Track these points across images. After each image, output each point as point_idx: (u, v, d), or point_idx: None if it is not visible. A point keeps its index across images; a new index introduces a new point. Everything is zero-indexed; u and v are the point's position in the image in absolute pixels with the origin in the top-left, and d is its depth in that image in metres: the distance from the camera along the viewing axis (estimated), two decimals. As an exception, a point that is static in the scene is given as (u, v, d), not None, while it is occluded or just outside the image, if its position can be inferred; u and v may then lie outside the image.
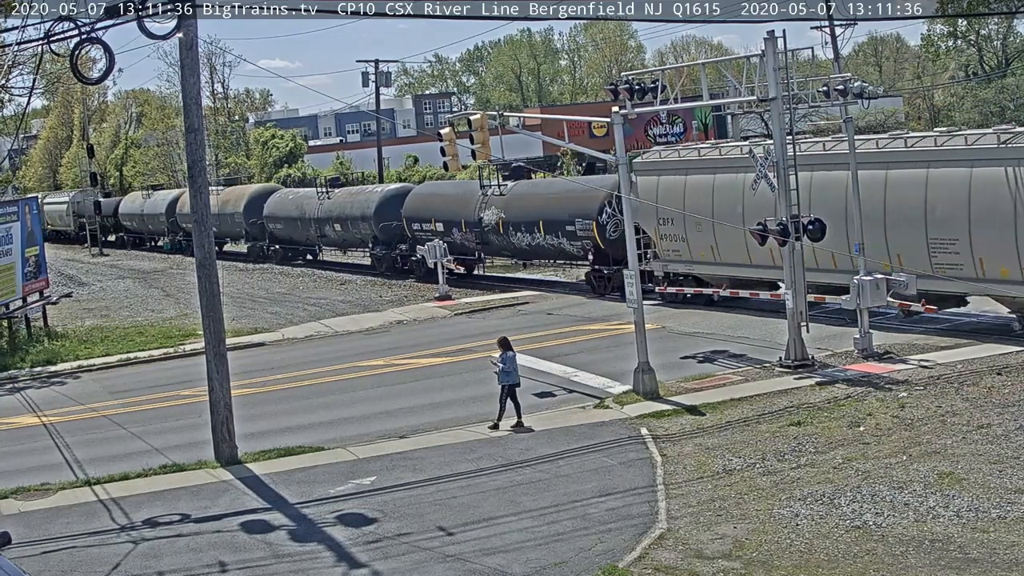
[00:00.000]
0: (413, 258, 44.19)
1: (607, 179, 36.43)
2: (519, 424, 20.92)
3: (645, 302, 25.13)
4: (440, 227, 42.35)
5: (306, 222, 51.84)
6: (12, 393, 28.47)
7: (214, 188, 61.30)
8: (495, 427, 20.89)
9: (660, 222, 32.49)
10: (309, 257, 56.98)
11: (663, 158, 33.57)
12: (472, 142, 25.62)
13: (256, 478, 19.11)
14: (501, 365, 20.88)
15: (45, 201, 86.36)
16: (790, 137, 23.80)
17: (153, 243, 74.59)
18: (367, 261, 50.14)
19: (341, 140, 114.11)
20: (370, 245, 47.84)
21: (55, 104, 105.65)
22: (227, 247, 64.40)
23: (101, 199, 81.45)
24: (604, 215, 35.06)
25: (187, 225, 62.72)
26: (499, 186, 40.57)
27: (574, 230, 36.04)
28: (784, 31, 25.07)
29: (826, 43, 60.95)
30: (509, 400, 20.97)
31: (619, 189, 25.04)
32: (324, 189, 51.40)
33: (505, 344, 21.13)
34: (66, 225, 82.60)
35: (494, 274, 44.95)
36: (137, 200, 74.64)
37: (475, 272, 44.27)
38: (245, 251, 60.97)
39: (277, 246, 56.19)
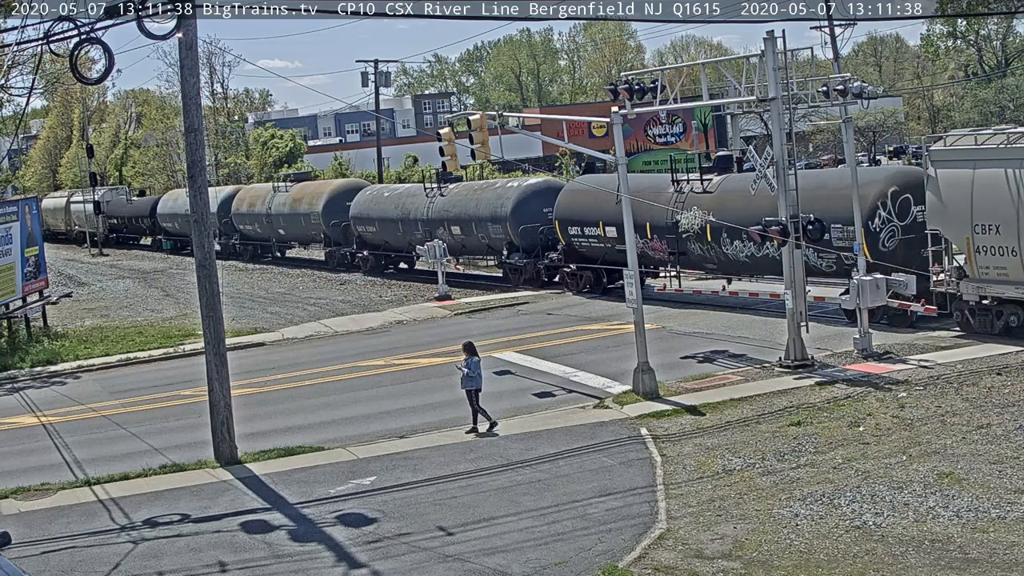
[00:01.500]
0: (566, 268, 36.98)
1: (882, 171, 29.79)
2: (474, 430, 20.80)
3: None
4: (612, 232, 33.75)
5: (410, 224, 43.60)
6: (12, 393, 28.46)
7: (281, 185, 54.94)
8: (492, 427, 20.86)
9: (978, 230, 24.50)
10: (404, 266, 48.07)
11: (981, 144, 24.98)
12: (471, 142, 25.67)
13: (256, 478, 19.12)
14: (466, 370, 20.75)
15: (72, 200, 79.53)
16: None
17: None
18: (489, 271, 42.49)
19: (340, 140, 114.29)
20: (504, 252, 39.51)
21: (54, 104, 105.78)
22: (292, 252, 58.02)
23: (134, 198, 74.37)
24: (877, 219, 26.81)
25: (244, 227, 57.80)
26: (701, 181, 32.02)
27: (829, 239, 27.00)
28: (784, 31, 25.12)
29: (826, 43, 61.09)
30: (474, 403, 20.88)
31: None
32: (434, 185, 43.29)
33: (471, 349, 21.06)
34: (92, 225, 75.05)
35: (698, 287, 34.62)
36: (180, 198, 64.09)
37: (656, 285, 35.29)
38: (323, 258, 53.03)
39: (365, 252, 47.63)
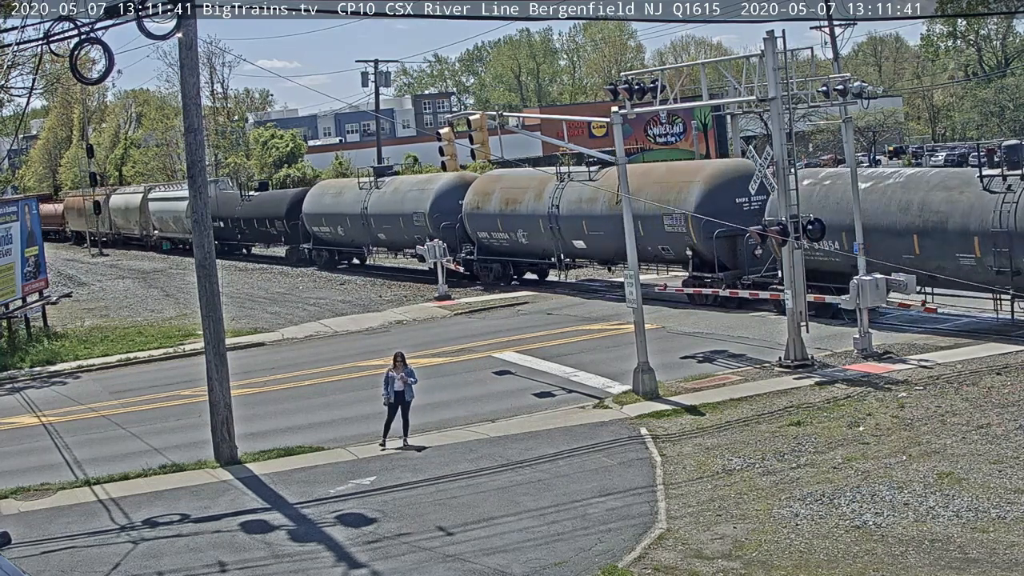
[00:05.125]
0: None
1: None
2: (405, 440, 20.39)
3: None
4: None
5: (948, 238, 24.95)
6: (12, 393, 28.46)
7: (577, 171, 36.90)
8: (384, 444, 20.30)
9: None
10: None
11: None
12: (471, 142, 25.68)
13: (256, 478, 19.11)
14: (412, 380, 20.26)
15: (150, 197, 65.29)
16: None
17: (352, 262, 48.88)
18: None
19: (340, 140, 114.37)
20: None
21: (54, 104, 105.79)
22: (551, 274, 39.08)
23: (252, 193, 56.55)
24: None
25: (491, 236, 39.47)
26: None
27: None
28: (784, 31, 25.13)
29: (826, 43, 61.18)
30: (397, 415, 20.29)
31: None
32: (997, 172, 24.18)
33: (404, 359, 20.47)
34: (184, 231, 56.75)
35: None
36: (347, 193, 46.44)
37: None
38: (680, 286, 32.11)
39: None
